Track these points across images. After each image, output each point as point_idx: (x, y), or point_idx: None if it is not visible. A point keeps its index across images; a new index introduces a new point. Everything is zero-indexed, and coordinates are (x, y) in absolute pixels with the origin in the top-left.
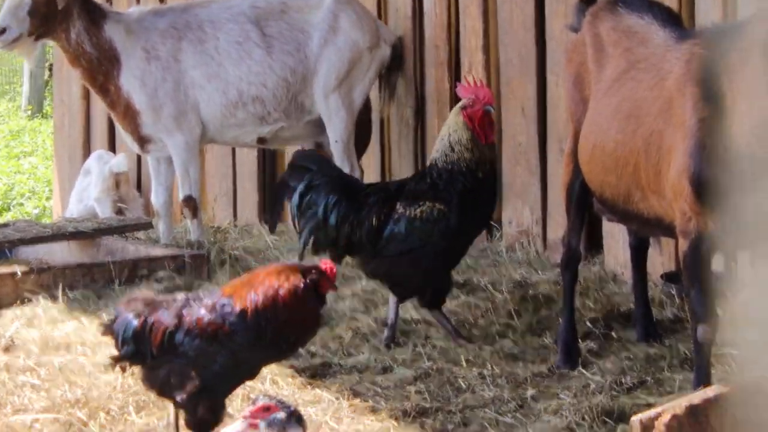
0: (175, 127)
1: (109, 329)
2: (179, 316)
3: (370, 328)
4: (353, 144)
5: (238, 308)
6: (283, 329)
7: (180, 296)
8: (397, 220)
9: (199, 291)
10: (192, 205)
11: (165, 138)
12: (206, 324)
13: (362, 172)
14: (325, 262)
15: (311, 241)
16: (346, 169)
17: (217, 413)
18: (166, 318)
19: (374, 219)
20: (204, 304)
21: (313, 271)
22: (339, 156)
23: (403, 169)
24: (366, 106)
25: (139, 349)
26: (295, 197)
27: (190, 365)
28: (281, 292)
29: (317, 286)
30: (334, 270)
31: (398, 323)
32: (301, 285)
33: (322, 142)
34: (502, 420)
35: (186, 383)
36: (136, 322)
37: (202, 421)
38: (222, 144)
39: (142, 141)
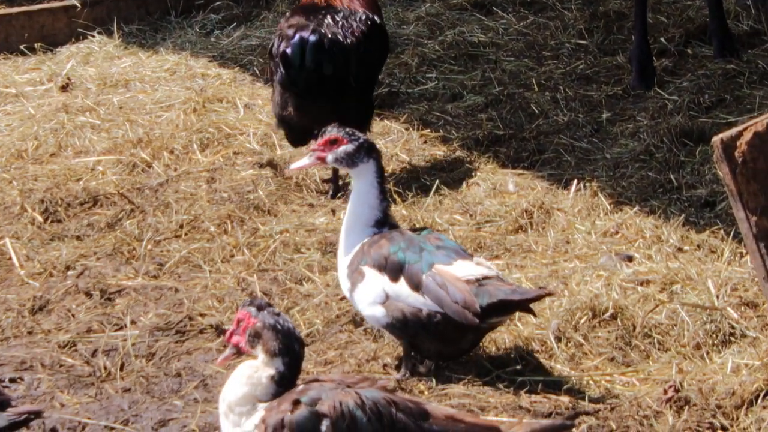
0: None
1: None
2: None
3: (437, 53)
4: None
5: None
6: None
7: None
8: None
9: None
10: None
11: None
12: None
13: None
14: None
15: None
16: None
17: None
18: (341, 34)
19: None
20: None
21: None
22: None
23: None
24: None
25: (319, 65)
26: None
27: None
28: None
29: None
30: None
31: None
32: None
33: None
34: (578, 145)
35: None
36: (315, 37)
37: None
38: None
39: None
